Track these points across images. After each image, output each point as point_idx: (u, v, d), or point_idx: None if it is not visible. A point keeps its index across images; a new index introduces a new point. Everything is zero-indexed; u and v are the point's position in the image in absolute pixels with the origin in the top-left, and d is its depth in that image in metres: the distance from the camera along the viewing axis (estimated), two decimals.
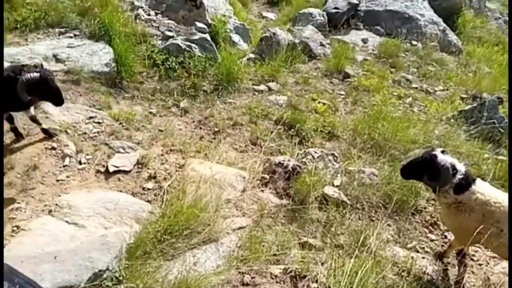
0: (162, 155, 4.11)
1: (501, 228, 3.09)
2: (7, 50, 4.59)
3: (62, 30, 5.48)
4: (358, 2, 9.30)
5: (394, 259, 3.41)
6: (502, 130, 5.31)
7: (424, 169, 3.34)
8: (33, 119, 3.86)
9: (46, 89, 3.40)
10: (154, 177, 3.75)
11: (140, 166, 3.83)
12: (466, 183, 3.22)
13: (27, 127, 3.96)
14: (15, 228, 2.82)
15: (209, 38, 6.33)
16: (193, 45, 6.06)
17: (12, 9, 5.44)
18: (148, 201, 3.47)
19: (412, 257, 3.46)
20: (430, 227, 3.93)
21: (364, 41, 8.36)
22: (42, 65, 3.57)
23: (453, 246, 3.62)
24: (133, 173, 3.74)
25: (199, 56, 5.94)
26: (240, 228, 3.37)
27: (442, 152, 3.41)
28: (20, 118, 3.94)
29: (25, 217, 2.96)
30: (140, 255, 2.75)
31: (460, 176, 3.22)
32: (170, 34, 6.34)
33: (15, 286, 1.56)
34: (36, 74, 3.33)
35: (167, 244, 2.90)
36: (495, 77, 7.18)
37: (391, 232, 3.79)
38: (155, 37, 6.20)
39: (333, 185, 4.17)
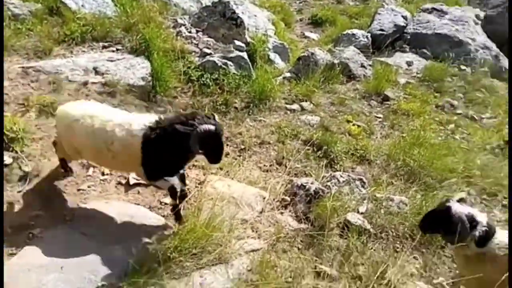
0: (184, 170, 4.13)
1: None
2: (51, 62, 4.90)
3: (106, 44, 5.77)
4: (405, 25, 9.04)
5: None
6: None
7: (440, 222, 3.08)
8: (183, 179, 3.54)
9: (216, 144, 3.12)
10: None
11: None
12: (489, 234, 2.96)
13: None
14: (30, 235, 2.92)
15: (246, 56, 6.38)
16: (229, 62, 6.13)
17: (64, 23, 5.83)
18: (164, 216, 3.47)
19: None
20: None
21: (409, 63, 8.06)
22: (214, 116, 3.24)
23: None
24: (153, 186, 3.78)
25: (234, 73, 5.99)
26: (253, 250, 3.27)
27: (460, 200, 3.15)
28: None
29: (42, 225, 3.06)
30: (145, 272, 2.73)
31: (482, 229, 2.95)
32: (208, 51, 6.48)
33: None
34: (212, 127, 3.04)
35: (175, 263, 2.87)
36: None
37: (417, 266, 3.52)
38: (193, 53, 6.35)
39: (358, 212, 3.97)
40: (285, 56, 7.60)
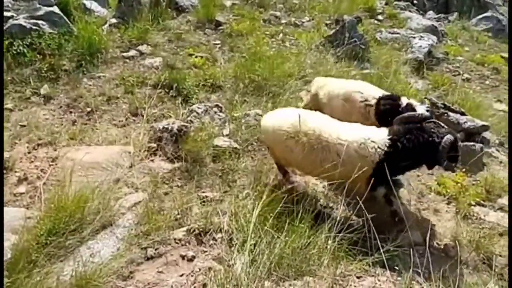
0: (29, 152, 3.68)
1: None
2: None
3: None
4: None
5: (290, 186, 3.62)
6: (363, 47, 5.79)
7: None
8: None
9: (454, 153, 3.08)
10: (25, 179, 3.37)
11: (4, 170, 3.39)
12: None
13: None
14: None
15: (58, 10, 5.60)
16: (40, 22, 5.34)
17: None
18: (24, 206, 3.12)
19: (305, 181, 3.72)
20: None
21: None
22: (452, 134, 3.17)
23: None
24: None
25: (50, 33, 5.27)
26: (135, 204, 3.25)
27: None
28: None
29: None
30: (24, 268, 2.49)
31: None
32: (8, 14, 5.48)
33: None
34: (452, 137, 3.04)
35: (54, 246, 2.67)
36: None
37: None
38: None
39: (223, 135, 4.21)
40: (102, 1, 6.92)
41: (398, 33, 6.77)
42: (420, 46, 6.40)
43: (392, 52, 6.15)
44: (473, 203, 3.71)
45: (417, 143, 3.10)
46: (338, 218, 3.02)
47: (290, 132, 3.22)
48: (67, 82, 4.79)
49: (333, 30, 6.19)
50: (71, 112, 4.42)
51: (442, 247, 3.28)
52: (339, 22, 6.62)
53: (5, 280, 2.33)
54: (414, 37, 6.62)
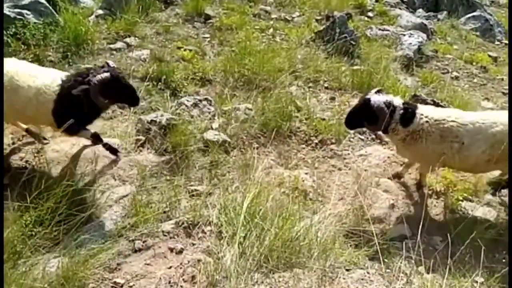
0: (13, 143, 3.59)
1: (462, 141, 3.23)
2: None
3: None
4: None
5: (279, 180, 3.61)
6: (353, 43, 5.80)
7: (362, 115, 3.34)
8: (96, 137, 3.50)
9: (120, 89, 3.17)
10: (8, 170, 3.28)
11: None
12: (410, 113, 3.28)
13: None
14: None
15: (43, 0, 5.48)
16: (24, 11, 5.23)
17: None
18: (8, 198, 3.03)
19: (294, 175, 3.70)
20: (305, 144, 4.23)
21: None
22: (108, 64, 3.27)
23: (423, 174, 3.72)
24: None
25: (35, 23, 5.15)
26: (122, 197, 3.20)
27: (378, 92, 3.41)
28: None
29: None
30: (9, 258, 2.43)
31: (401, 111, 3.25)
32: None
33: None
34: (106, 74, 3.08)
35: (40, 237, 2.61)
36: None
37: (273, 158, 3.98)
38: None
39: (212, 129, 4.17)
40: None
41: (388, 30, 6.79)
42: (410, 43, 6.43)
43: (382, 49, 6.17)
44: (460, 198, 3.75)
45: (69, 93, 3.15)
46: (328, 212, 3.03)
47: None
48: None
49: (324, 26, 6.18)
50: None
51: (430, 240, 3.30)
52: (329, 18, 6.61)
53: None
54: (404, 35, 6.65)
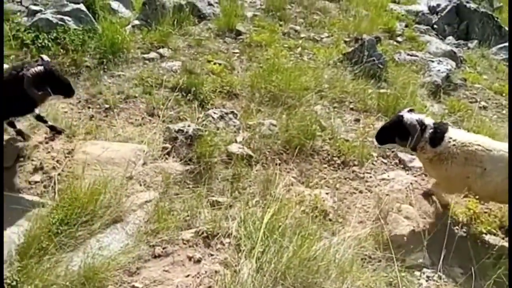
0: (46, 142, 3.74)
1: (484, 167, 3.25)
2: None
3: None
4: None
5: (300, 198, 3.62)
6: (381, 66, 5.81)
7: (394, 131, 3.43)
8: (39, 118, 3.76)
9: (54, 81, 3.32)
10: (41, 168, 3.42)
11: (22, 159, 3.45)
12: (440, 134, 3.33)
13: None
14: None
15: (84, 8, 5.77)
16: (66, 17, 5.50)
17: None
18: (38, 194, 3.16)
19: (315, 194, 3.71)
20: (327, 164, 4.23)
21: None
22: (42, 58, 3.41)
23: (439, 196, 3.76)
24: (15, 168, 3.36)
25: (75, 29, 5.41)
26: (146, 202, 3.27)
27: (410, 111, 3.49)
28: None
29: None
30: (34, 253, 2.53)
31: (431, 130, 3.31)
32: (37, 8, 5.66)
33: None
34: (40, 67, 3.23)
35: (65, 235, 2.70)
36: (372, 18, 7.71)
37: (294, 175, 4.00)
38: (18, 13, 5.49)
39: (236, 142, 4.24)
40: (127, 3, 7.07)
41: (416, 56, 6.77)
42: (438, 70, 6.38)
43: (410, 74, 6.14)
44: (484, 231, 3.66)
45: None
46: (348, 234, 3.02)
47: None
48: (87, 78, 4.88)
49: (352, 48, 6.23)
50: (89, 108, 4.49)
51: (451, 272, 3.23)
52: (358, 40, 6.66)
53: (16, 264, 2.36)
54: (433, 61, 6.61)
